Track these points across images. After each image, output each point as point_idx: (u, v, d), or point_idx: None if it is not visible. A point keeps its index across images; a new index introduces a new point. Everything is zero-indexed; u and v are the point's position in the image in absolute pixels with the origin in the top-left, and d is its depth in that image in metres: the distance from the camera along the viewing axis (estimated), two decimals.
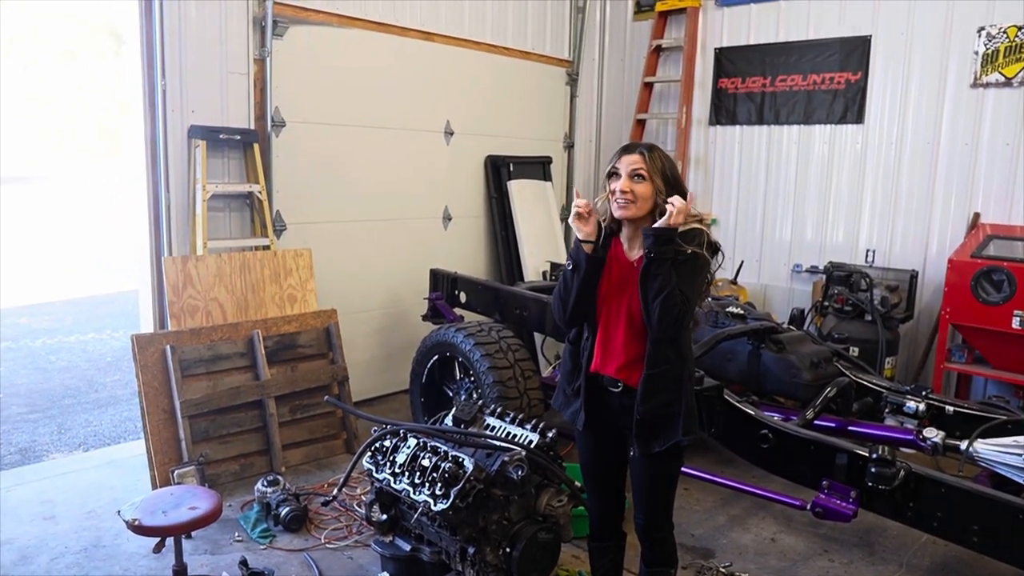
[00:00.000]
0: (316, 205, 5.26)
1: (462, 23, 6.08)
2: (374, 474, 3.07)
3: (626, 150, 2.49)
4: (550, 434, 3.02)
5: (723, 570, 3.52)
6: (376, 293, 5.74)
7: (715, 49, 6.43)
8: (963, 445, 3.32)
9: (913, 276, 5.31)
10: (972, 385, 5.35)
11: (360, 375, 5.36)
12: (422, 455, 2.92)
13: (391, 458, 3.04)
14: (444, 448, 2.94)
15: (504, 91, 6.51)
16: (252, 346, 4.46)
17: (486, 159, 6.43)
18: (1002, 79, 5.11)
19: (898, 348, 5.25)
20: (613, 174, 2.48)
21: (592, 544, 2.87)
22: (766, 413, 3.64)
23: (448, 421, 3.27)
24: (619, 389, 2.54)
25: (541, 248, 6.45)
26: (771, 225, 6.28)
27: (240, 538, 3.71)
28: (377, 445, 3.12)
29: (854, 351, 4.85)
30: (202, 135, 4.52)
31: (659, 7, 6.63)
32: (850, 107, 5.77)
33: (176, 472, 4.00)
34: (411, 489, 2.88)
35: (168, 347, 4.15)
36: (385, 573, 3.13)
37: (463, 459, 2.82)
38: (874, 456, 3.04)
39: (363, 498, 3.78)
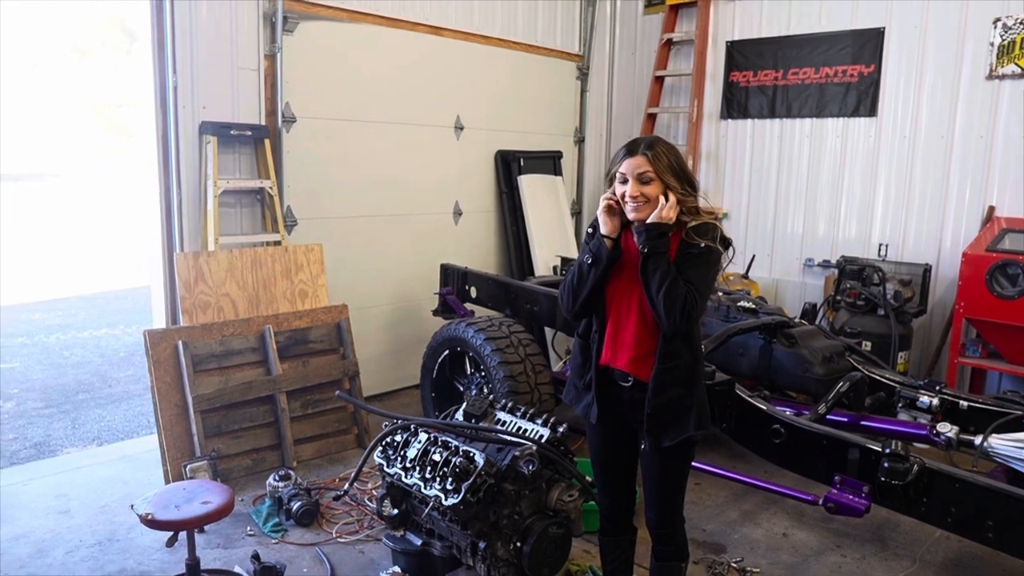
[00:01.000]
0: (327, 201, 5.27)
1: (472, 18, 6.08)
2: (385, 469, 3.09)
3: (628, 152, 2.46)
4: (561, 429, 3.02)
5: (734, 565, 3.51)
6: (387, 288, 5.75)
7: (726, 42, 6.39)
8: (977, 440, 3.29)
9: (927, 270, 5.27)
10: (986, 380, 5.30)
11: (371, 370, 5.39)
12: (433, 450, 2.93)
13: (402, 453, 3.05)
14: (455, 443, 2.95)
15: (514, 86, 6.50)
16: (264, 341, 4.48)
17: (496, 154, 6.43)
18: (1018, 71, 5.04)
19: (911, 343, 5.21)
20: (619, 178, 2.46)
21: (603, 539, 2.87)
22: (778, 408, 3.62)
23: (459, 416, 3.27)
24: (629, 383, 2.54)
25: (551, 243, 6.45)
26: (783, 219, 6.24)
27: (252, 532, 3.73)
28: (388, 440, 3.14)
29: (867, 346, 4.82)
30: (213, 131, 4.54)
31: (670, 0, 6.59)
32: (863, 100, 5.72)
33: (189, 467, 4.02)
34: (422, 484, 2.90)
35: (180, 343, 4.18)
36: (396, 567, 3.14)
37: (474, 454, 2.83)
38: (887, 451, 3.02)
39: (374, 493, 3.79)
